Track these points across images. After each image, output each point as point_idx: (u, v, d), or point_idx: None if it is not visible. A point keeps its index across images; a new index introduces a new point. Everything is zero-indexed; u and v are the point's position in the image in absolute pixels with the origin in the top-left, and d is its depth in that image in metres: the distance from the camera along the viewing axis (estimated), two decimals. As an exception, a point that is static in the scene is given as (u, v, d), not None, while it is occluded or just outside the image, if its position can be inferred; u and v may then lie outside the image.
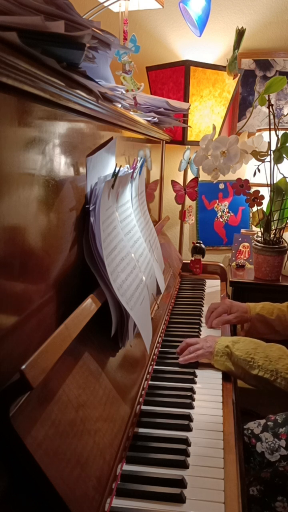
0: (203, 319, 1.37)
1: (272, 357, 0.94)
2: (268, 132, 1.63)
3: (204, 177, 2.01)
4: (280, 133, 1.59)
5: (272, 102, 1.84)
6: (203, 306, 1.48)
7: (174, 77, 1.75)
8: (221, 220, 2.18)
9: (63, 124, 0.63)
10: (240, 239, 2.04)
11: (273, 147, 1.62)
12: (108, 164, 0.87)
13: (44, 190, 0.57)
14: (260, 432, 1.06)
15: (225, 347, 1.01)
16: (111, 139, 0.88)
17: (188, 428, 0.82)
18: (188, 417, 0.84)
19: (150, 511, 0.63)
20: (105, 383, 0.71)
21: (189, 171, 1.95)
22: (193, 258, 1.85)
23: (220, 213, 2.18)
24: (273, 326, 1.22)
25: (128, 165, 1.06)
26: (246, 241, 2.03)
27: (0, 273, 0.48)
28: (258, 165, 1.65)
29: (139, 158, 1.15)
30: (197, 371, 1.03)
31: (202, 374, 1.02)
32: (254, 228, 2.11)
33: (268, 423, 1.08)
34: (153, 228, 1.25)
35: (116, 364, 0.79)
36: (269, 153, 1.63)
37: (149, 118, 1.19)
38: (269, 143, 1.62)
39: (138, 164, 1.07)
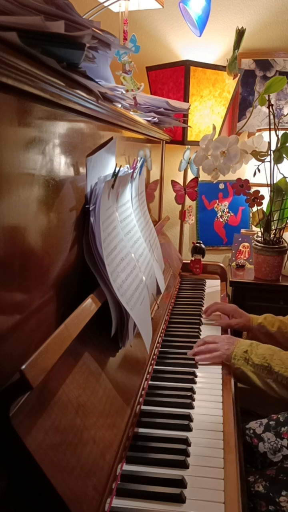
0: (203, 319, 1.37)
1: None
2: (268, 132, 1.63)
3: (204, 177, 2.01)
4: (280, 133, 1.59)
5: (272, 102, 1.84)
6: (203, 306, 1.48)
7: (174, 77, 1.75)
8: (221, 220, 2.18)
9: (63, 124, 0.63)
10: (240, 239, 2.04)
11: (273, 147, 1.62)
12: (108, 164, 0.87)
13: (44, 190, 0.57)
14: (262, 432, 1.06)
15: (243, 352, 1.02)
16: (111, 139, 0.88)
17: (188, 428, 0.82)
18: (188, 417, 0.84)
19: (150, 511, 0.63)
20: (105, 383, 0.71)
21: (189, 171, 1.95)
22: (193, 258, 1.85)
23: (220, 213, 2.18)
24: (275, 338, 1.23)
25: (128, 165, 1.06)
26: (246, 241, 2.03)
27: (0, 273, 0.48)
28: (258, 165, 1.65)
29: (139, 158, 1.15)
30: (197, 371, 1.03)
31: (202, 374, 1.02)
32: (254, 228, 2.11)
33: (270, 422, 1.08)
34: (153, 228, 1.25)
35: (116, 364, 0.79)
36: (269, 153, 1.63)
37: (149, 118, 1.19)
38: (269, 143, 1.62)
39: (138, 164, 1.07)
